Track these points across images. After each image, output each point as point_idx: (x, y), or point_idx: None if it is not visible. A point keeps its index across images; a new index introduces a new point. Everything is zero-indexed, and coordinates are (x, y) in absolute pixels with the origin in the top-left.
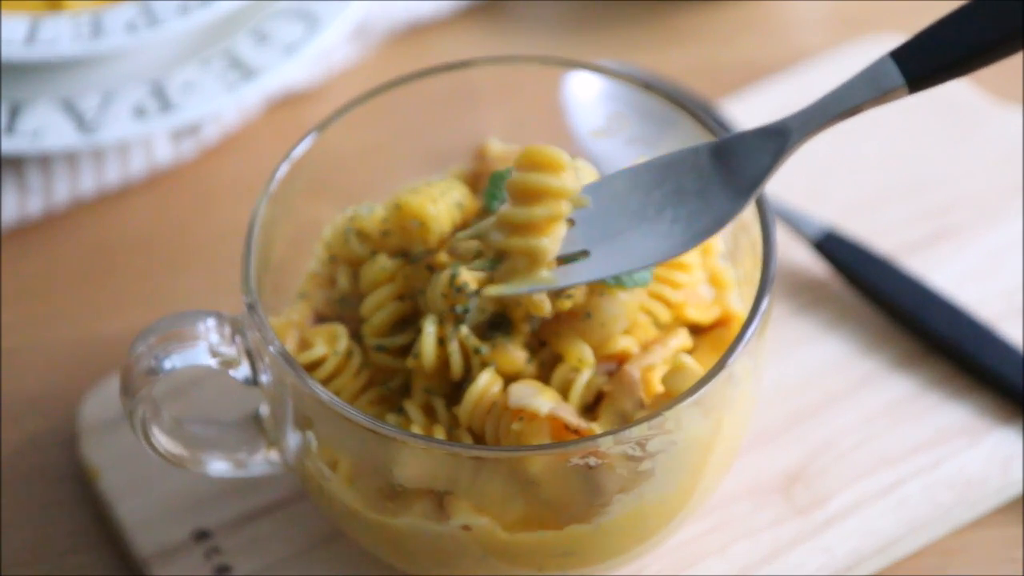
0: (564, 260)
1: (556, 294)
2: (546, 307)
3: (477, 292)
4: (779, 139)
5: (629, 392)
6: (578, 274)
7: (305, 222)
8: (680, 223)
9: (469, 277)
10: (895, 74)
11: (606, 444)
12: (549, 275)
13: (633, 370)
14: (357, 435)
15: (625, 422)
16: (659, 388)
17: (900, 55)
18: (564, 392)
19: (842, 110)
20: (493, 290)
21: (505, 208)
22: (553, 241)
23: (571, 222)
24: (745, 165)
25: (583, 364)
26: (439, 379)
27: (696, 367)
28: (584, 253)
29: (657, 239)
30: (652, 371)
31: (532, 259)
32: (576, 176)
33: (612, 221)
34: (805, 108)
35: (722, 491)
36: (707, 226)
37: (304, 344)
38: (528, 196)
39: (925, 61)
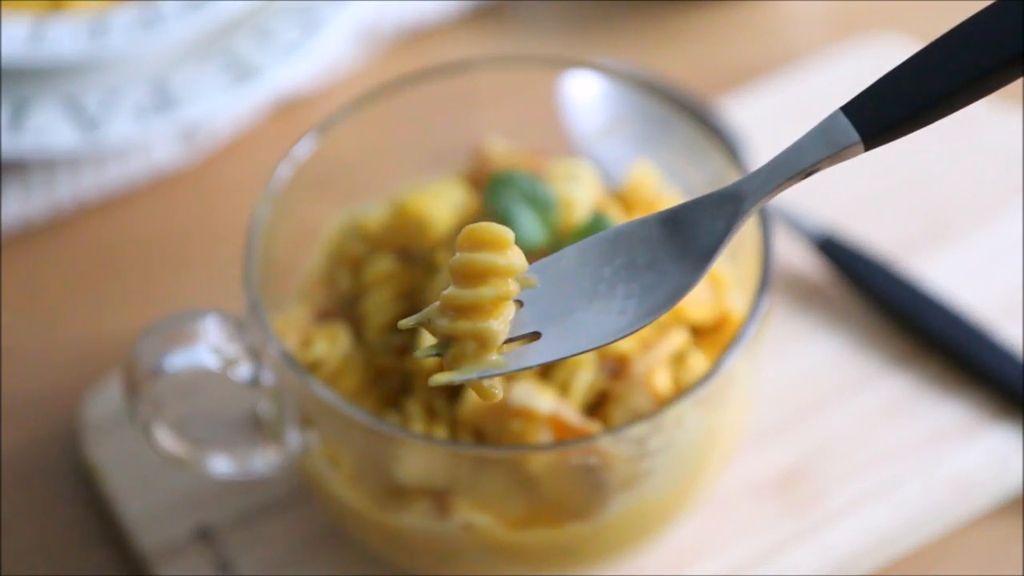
0: (514, 342)
1: None
2: (498, 394)
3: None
4: (733, 204)
5: (640, 390)
6: (530, 357)
7: (306, 222)
8: (634, 299)
9: None
10: (849, 130)
11: (606, 443)
12: (500, 359)
13: (641, 368)
14: (358, 434)
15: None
16: (660, 387)
17: (852, 110)
18: (565, 391)
19: (796, 171)
20: (441, 378)
21: (449, 291)
22: (502, 323)
23: (519, 303)
24: (698, 233)
25: (583, 364)
26: None
27: (705, 364)
28: (535, 335)
29: (611, 316)
30: (654, 370)
31: (481, 343)
32: (521, 254)
33: (562, 300)
34: (758, 170)
35: (720, 490)
36: (662, 300)
37: (305, 343)
38: (473, 277)
39: (878, 116)
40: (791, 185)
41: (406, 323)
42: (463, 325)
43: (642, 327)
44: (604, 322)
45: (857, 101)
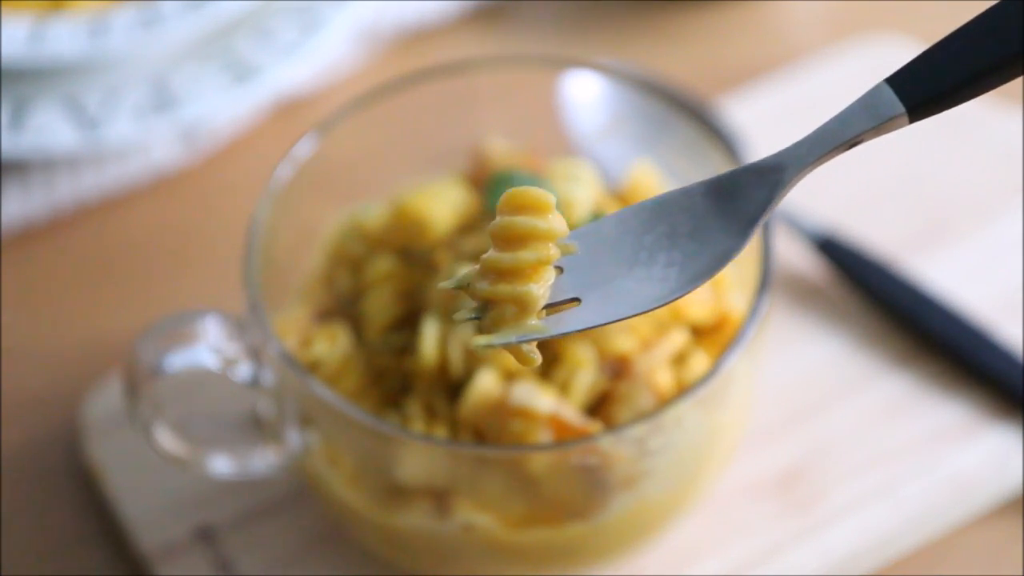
0: (554, 308)
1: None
2: (537, 359)
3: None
4: (776, 173)
5: (643, 390)
6: (570, 322)
7: (306, 222)
8: (675, 266)
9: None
10: (893, 102)
11: (606, 443)
12: (539, 324)
13: (643, 368)
14: (358, 435)
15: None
16: (663, 386)
17: (897, 81)
18: (565, 392)
19: (840, 142)
20: (481, 341)
21: (490, 254)
22: (542, 287)
23: (559, 270)
24: (741, 202)
25: (583, 364)
26: (440, 378)
27: (707, 364)
28: (575, 300)
29: (652, 284)
30: (656, 370)
31: (521, 307)
32: (562, 219)
33: (603, 267)
34: (800, 140)
35: (720, 490)
36: (705, 267)
37: (305, 343)
38: (513, 240)
39: (924, 87)
40: (834, 156)
41: (446, 285)
42: (503, 289)
43: (684, 294)
44: (645, 289)
45: (902, 73)
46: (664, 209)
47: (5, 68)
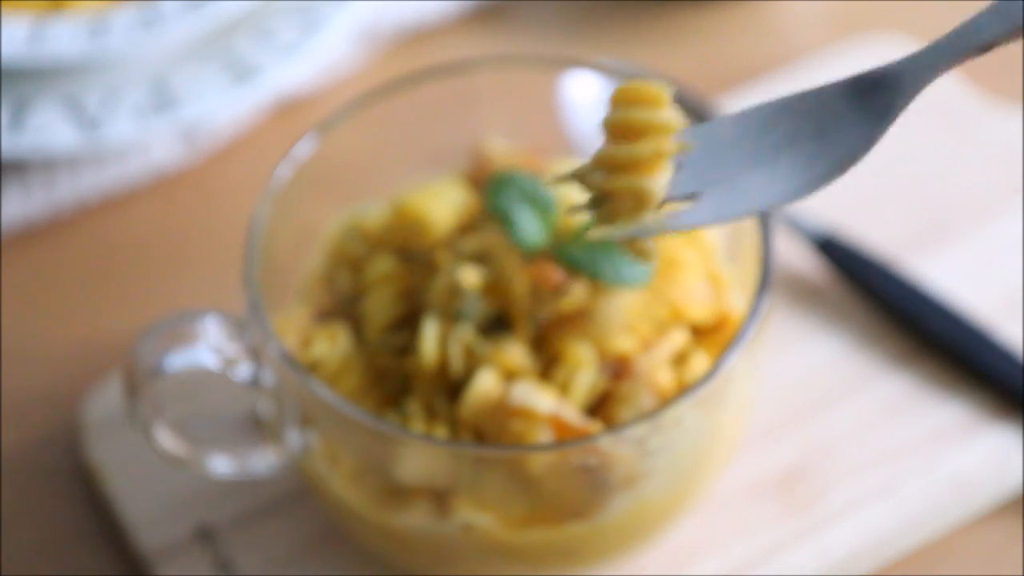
0: (672, 205)
1: (555, 295)
2: (653, 253)
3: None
4: (901, 79)
5: (646, 390)
6: (688, 218)
7: (306, 221)
8: (799, 167)
9: (469, 277)
10: None
11: (606, 443)
12: (657, 219)
13: (645, 368)
14: (358, 434)
15: None
16: (665, 386)
17: None
18: (565, 392)
19: (971, 46)
20: (598, 232)
21: (605, 147)
22: (660, 181)
23: (676, 168)
24: (872, 102)
25: (583, 364)
26: (440, 378)
27: (708, 364)
28: (693, 197)
29: (775, 183)
30: (658, 370)
31: (638, 200)
32: (678, 113)
33: (722, 166)
34: (928, 46)
35: (720, 490)
36: (830, 168)
37: (305, 343)
38: (629, 133)
39: None
40: (963, 61)
41: (559, 178)
42: (621, 181)
43: (811, 194)
44: (768, 188)
45: None
46: (787, 109)
47: (5, 68)
